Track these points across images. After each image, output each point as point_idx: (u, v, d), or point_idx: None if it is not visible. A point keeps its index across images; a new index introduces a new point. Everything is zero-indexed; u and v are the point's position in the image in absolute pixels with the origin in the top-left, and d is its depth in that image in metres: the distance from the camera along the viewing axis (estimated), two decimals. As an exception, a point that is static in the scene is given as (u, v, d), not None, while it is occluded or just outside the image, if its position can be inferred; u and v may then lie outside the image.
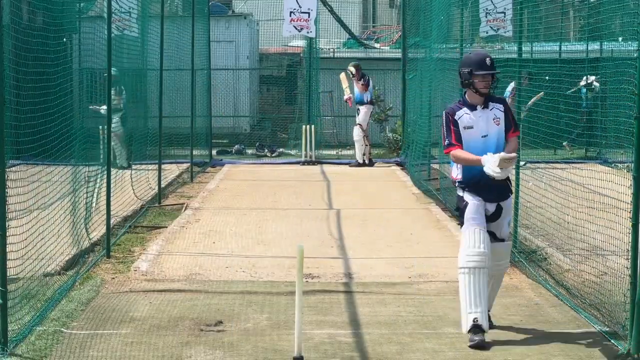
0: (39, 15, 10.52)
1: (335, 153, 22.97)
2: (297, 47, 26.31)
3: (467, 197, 7.64)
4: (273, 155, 23.41)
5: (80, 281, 9.50)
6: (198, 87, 20.39)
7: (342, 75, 21.70)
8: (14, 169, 8.06)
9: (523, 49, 11.94)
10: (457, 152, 7.60)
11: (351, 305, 8.78)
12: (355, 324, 8.13)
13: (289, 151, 23.80)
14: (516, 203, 10.99)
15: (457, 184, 7.79)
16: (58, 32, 10.06)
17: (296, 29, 22.33)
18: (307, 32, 22.47)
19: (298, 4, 22.02)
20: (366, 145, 20.86)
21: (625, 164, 10.52)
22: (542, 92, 15.66)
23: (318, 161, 21.51)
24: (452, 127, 7.62)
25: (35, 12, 10.50)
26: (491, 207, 7.68)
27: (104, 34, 11.43)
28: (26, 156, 9.41)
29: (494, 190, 7.64)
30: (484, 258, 7.49)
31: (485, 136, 7.60)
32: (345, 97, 21.31)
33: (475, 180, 7.62)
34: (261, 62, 28.05)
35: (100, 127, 14.51)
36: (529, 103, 14.55)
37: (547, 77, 14.83)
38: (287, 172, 20.01)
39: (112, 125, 16.45)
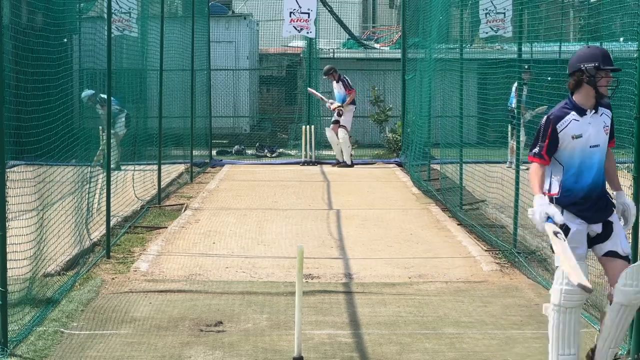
0: (39, 15, 10.52)
1: (335, 153, 22.96)
2: (297, 47, 26.31)
3: (567, 220, 6.47)
4: (273, 155, 23.41)
5: (80, 281, 9.50)
6: (198, 87, 20.40)
7: (310, 90, 21.82)
8: (14, 169, 8.06)
9: (523, 49, 11.94)
10: (535, 167, 6.58)
11: (351, 306, 8.78)
12: (355, 324, 8.13)
13: (289, 151, 23.80)
14: (516, 203, 10.99)
15: (553, 201, 6.54)
16: (58, 33, 10.06)
17: (296, 29, 22.33)
18: (307, 33, 22.47)
19: (298, 4, 22.02)
20: (349, 146, 20.75)
21: (626, 164, 10.51)
22: (545, 107, 15.61)
23: (318, 161, 21.50)
24: (548, 136, 6.51)
25: (35, 12, 10.50)
26: (597, 228, 6.59)
27: (104, 34, 11.43)
28: (26, 156, 9.41)
29: (598, 208, 6.58)
30: (583, 297, 6.50)
31: (595, 146, 6.55)
32: (333, 106, 20.95)
33: (579, 197, 6.55)
34: (261, 62, 28.05)
35: (101, 127, 14.50)
36: (535, 112, 14.53)
37: (549, 78, 14.82)
38: (287, 172, 20.01)
39: (117, 126, 16.53)
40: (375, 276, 10.02)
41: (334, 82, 20.84)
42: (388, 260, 10.83)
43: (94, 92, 16.64)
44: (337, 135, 20.60)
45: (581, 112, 6.54)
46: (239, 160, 22.57)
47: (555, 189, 6.57)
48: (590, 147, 6.53)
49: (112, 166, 16.85)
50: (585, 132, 6.51)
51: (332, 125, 20.77)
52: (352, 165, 20.67)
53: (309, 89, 22.18)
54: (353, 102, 20.91)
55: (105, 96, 17.89)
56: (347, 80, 20.78)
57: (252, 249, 11.46)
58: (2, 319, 7.07)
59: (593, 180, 6.56)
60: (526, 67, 16.44)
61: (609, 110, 6.63)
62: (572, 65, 6.55)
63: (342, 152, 20.78)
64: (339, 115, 20.60)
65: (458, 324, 8.15)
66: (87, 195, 11.08)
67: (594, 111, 6.55)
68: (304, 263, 6.84)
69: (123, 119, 17.22)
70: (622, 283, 6.36)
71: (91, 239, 11.02)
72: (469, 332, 7.90)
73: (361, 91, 25.88)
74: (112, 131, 17.77)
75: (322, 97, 21.46)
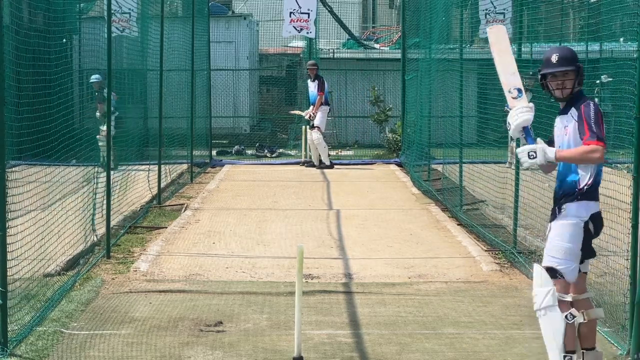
0: (40, 15, 10.53)
1: (335, 154, 22.97)
2: (297, 47, 26.32)
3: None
4: (273, 155, 23.41)
5: (80, 282, 9.50)
6: (198, 87, 20.40)
7: (293, 112, 22.28)
8: (14, 169, 8.06)
9: (523, 49, 11.94)
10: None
11: (351, 306, 8.79)
12: (355, 325, 8.14)
13: (289, 152, 23.79)
14: (516, 203, 11.00)
15: (581, 194, 6.37)
16: (58, 33, 10.06)
17: (296, 29, 22.33)
18: (307, 33, 22.47)
19: (298, 4, 22.02)
20: (323, 147, 20.56)
21: (625, 164, 10.54)
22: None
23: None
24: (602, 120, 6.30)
25: (35, 12, 10.51)
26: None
27: (104, 34, 11.44)
28: (27, 156, 9.42)
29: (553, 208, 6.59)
30: None
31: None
32: (307, 115, 20.81)
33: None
34: (261, 62, 28.05)
35: (100, 127, 14.51)
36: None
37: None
38: (286, 172, 20.01)
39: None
40: (375, 276, 10.02)
41: (310, 80, 20.78)
42: (388, 260, 10.83)
43: (102, 79, 16.80)
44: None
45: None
46: (239, 161, 22.57)
47: (591, 180, 6.34)
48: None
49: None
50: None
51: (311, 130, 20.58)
52: (331, 166, 20.49)
53: (290, 112, 22.66)
54: (327, 103, 20.82)
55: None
56: (324, 82, 20.65)
57: (252, 249, 11.46)
58: (2, 319, 7.07)
59: (556, 184, 6.53)
60: (530, 72, 16.44)
61: (575, 111, 6.34)
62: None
63: (319, 154, 20.55)
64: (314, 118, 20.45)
65: (458, 324, 8.15)
66: (91, 194, 11.07)
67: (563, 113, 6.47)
68: (303, 263, 6.84)
69: (112, 120, 17.27)
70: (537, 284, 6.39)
71: (97, 236, 11.04)
72: (469, 332, 7.90)
73: (361, 91, 25.90)
74: (103, 130, 17.85)
75: (300, 112, 21.47)
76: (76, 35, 17.16)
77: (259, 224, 13.16)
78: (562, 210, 6.37)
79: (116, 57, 13.39)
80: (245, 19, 26.11)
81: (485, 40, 19.37)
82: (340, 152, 23.67)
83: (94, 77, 17.65)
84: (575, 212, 6.32)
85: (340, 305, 8.80)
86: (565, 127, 6.38)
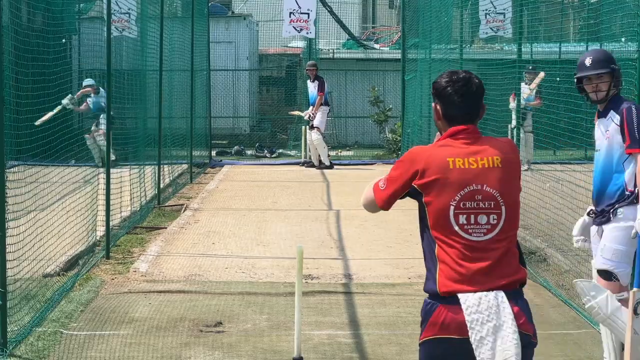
0: (39, 15, 10.52)
1: (335, 154, 22.97)
2: (297, 47, 26.32)
3: None
4: (272, 156, 23.41)
5: (79, 282, 9.49)
6: (197, 88, 20.40)
7: (293, 112, 22.42)
8: (13, 169, 8.05)
9: (523, 49, 11.95)
10: None
11: (351, 306, 8.78)
12: (355, 325, 8.13)
13: (289, 152, 23.79)
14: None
15: (636, 197, 6.30)
16: (58, 33, 10.06)
17: (296, 29, 22.33)
18: (307, 33, 22.46)
19: (297, 4, 22.02)
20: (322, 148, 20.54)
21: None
22: (542, 73, 15.76)
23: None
24: None
25: (34, 12, 10.50)
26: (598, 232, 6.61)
27: (103, 34, 11.43)
28: (26, 157, 9.42)
29: (596, 213, 6.60)
30: None
31: (596, 151, 6.58)
32: (306, 116, 20.82)
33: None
34: (261, 62, 28.05)
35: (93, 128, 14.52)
36: (532, 85, 14.50)
37: (558, 79, 14.83)
38: (286, 173, 20.00)
39: (102, 123, 16.67)
40: (374, 277, 10.01)
41: (309, 80, 20.76)
42: (388, 260, 10.83)
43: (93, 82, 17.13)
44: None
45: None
46: (239, 161, 22.56)
47: None
48: (595, 151, 6.54)
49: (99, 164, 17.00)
50: (595, 135, 6.55)
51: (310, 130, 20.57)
52: (331, 166, 20.48)
53: (290, 112, 22.80)
54: (327, 103, 20.80)
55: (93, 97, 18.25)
56: (324, 82, 20.63)
57: (251, 249, 11.46)
58: (2, 320, 7.06)
59: (594, 185, 6.54)
60: (530, 67, 16.41)
61: (616, 114, 6.32)
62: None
63: (319, 154, 20.53)
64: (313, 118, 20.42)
65: (458, 325, 8.14)
66: (94, 195, 11.06)
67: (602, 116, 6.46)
68: (303, 264, 6.84)
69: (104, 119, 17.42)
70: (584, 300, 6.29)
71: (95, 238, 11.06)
72: (469, 333, 7.88)
73: (361, 91, 25.90)
74: (97, 129, 17.99)
75: (299, 112, 21.51)
76: (75, 35, 17.17)
77: (258, 225, 13.15)
78: (618, 213, 6.31)
79: (115, 58, 13.39)
80: (245, 19, 26.10)
81: (485, 40, 19.31)
82: (340, 152, 23.65)
83: (87, 82, 17.89)
84: (632, 216, 6.23)
85: (340, 306, 8.79)
86: (607, 130, 6.36)
